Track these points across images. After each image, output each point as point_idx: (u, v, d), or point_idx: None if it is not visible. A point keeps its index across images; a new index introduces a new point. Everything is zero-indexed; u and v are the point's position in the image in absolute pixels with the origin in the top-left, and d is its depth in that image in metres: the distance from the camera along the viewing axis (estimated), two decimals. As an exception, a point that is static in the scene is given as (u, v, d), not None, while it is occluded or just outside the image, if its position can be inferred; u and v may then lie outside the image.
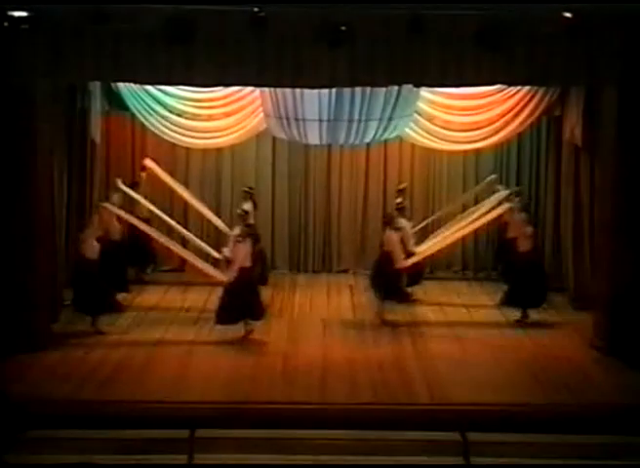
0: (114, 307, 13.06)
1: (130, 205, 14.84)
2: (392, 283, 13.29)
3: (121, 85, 14.32)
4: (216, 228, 15.43)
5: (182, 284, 15.36)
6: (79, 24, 11.05)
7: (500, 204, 14.31)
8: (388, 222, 13.78)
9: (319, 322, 13.37)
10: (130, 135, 16.38)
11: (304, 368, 11.45)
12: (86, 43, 11.34)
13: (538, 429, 9.87)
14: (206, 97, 14.84)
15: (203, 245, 14.66)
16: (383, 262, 13.45)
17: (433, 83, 12.66)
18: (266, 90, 14.09)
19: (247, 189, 15.51)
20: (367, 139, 15.08)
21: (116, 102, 14.91)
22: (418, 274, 14.45)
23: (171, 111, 14.87)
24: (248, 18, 10.80)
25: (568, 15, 10.84)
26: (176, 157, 16.45)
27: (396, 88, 13.61)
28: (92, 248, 12.71)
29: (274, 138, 16.11)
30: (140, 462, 9.37)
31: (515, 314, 13.55)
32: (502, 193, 14.64)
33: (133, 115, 15.21)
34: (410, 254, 13.92)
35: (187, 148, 16.04)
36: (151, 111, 14.83)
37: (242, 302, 12.36)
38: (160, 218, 14.75)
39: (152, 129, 15.22)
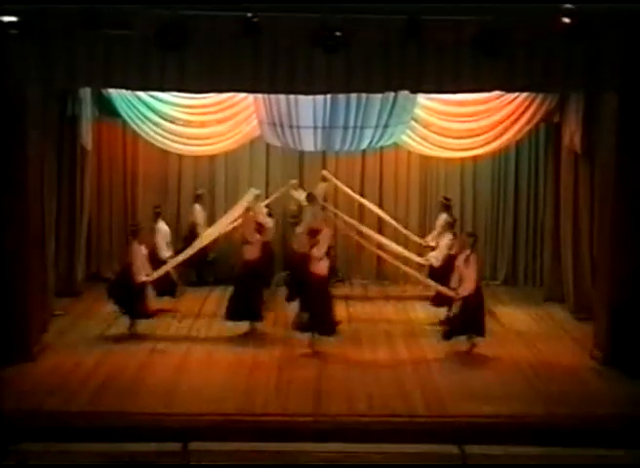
0: None
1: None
2: (132, 296, 12.76)
3: (112, 91, 14.20)
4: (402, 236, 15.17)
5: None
6: (70, 30, 10.98)
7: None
8: (133, 234, 13.19)
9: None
10: (121, 141, 16.24)
11: (299, 379, 11.30)
12: (77, 48, 11.30)
13: (537, 441, 9.79)
14: (199, 103, 14.73)
15: (405, 252, 14.35)
16: (123, 275, 12.99)
17: (430, 89, 12.55)
18: (260, 96, 13.99)
19: (444, 200, 15.20)
20: (362, 146, 14.97)
21: (107, 109, 14.78)
22: (170, 284, 14.02)
23: (163, 118, 14.76)
24: (242, 23, 10.68)
25: (566, 20, 10.72)
26: (168, 164, 16.30)
27: (392, 94, 13.53)
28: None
29: (268, 145, 15.97)
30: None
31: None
32: (250, 196, 13.93)
33: (124, 121, 15.08)
34: (161, 262, 13.53)
35: (180, 155, 15.88)
36: (143, 118, 14.71)
37: (472, 316, 12.23)
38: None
39: (144, 135, 15.08)
